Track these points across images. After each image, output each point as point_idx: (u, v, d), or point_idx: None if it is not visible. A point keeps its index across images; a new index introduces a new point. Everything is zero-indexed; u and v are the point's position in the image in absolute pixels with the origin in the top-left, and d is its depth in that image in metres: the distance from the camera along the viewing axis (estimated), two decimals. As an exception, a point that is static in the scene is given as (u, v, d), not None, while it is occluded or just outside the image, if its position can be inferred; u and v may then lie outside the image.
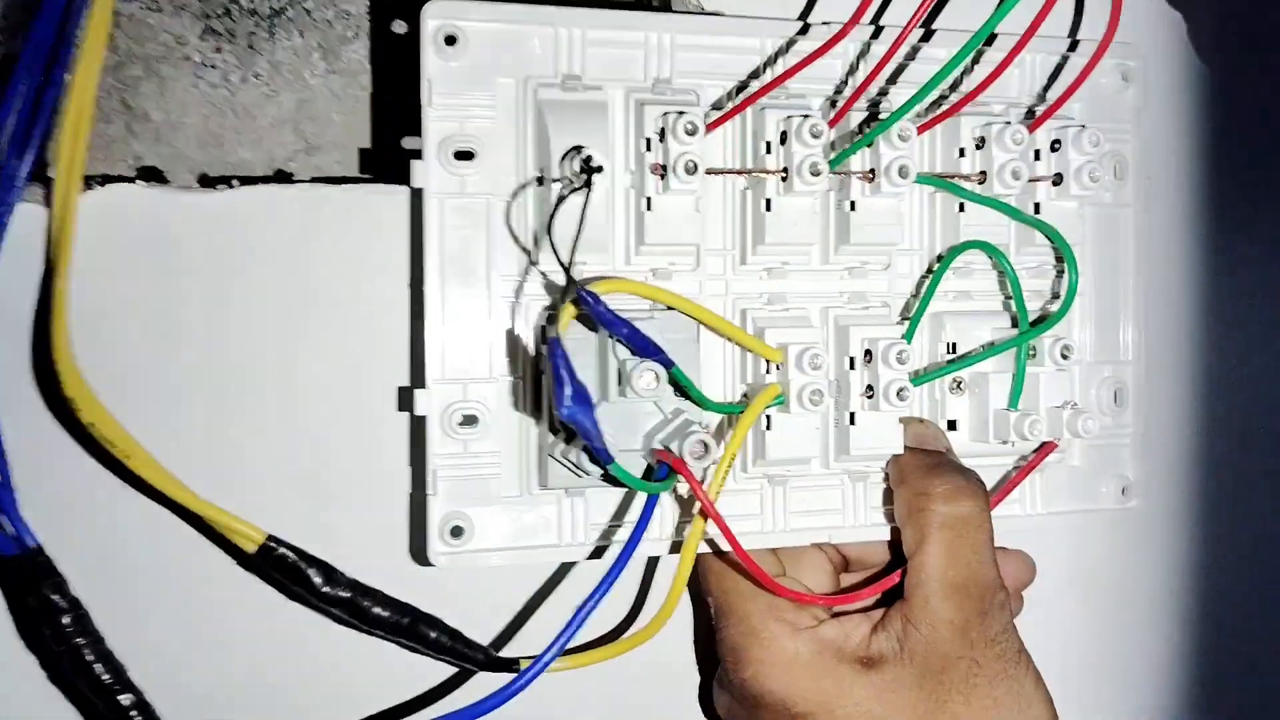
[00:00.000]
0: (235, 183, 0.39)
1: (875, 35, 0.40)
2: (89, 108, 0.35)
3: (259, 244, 0.39)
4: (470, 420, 0.38)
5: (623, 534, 0.38)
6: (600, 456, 0.34)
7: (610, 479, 0.36)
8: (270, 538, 0.35)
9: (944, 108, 0.41)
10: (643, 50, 0.39)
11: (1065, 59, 0.43)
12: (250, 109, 0.40)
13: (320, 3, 0.41)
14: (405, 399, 0.38)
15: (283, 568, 0.36)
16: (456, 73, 0.37)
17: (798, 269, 0.41)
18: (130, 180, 0.38)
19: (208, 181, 0.39)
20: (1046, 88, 0.43)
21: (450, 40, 0.37)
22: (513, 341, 0.38)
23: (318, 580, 0.36)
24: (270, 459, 0.39)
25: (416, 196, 0.37)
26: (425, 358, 0.37)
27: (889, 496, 0.41)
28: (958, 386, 0.43)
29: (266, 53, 0.40)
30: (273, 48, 0.40)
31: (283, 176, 0.40)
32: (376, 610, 0.36)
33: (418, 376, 0.38)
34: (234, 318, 0.39)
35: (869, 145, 0.39)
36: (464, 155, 0.37)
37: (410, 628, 0.37)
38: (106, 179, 0.38)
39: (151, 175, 0.39)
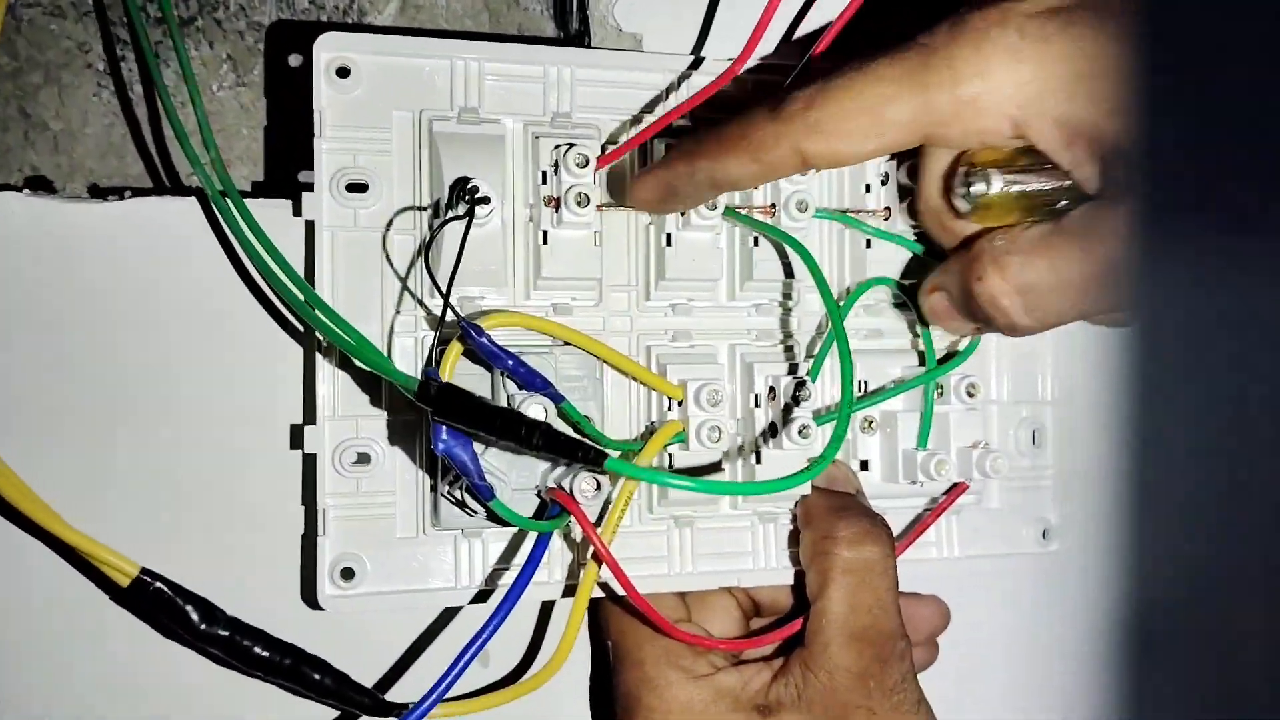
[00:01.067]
0: (128, 193, 0.38)
1: (771, 70, 0.40)
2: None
3: (150, 260, 0.38)
4: (363, 459, 0.37)
5: (511, 576, 0.37)
6: (480, 493, 0.33)
7: (497, 518, 0.35)
8: (145, 571, 0.34)
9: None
10: (541, 84, 0.38)
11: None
12: (151, 121, 0.39)
13: (231, 14, 0.40)
14: (297, 437, 0.37)
15: (158, 603, 0.34)
16: (350, 105, 0.37)
17: (703, 305, 0.40)
18: (16, 189, 0.37)
19: (98, 192, 0.38)
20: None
21: (343, 72, 0.36)
22: (405, 377, 0.37)
23: (195, 617, 0.35)
24: (153, 490, 0.38)
25: (309, 228, 0.37)
26: (316, 394, 0.37)
27: (796, 538, 0.41)
28: (869, 426, 0.42)
29: (173, 63, 0.40)
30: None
31: (180, 189, 0.39)
32: (258, 650, 0.35)
33: (309, 413, 0.38)
34: (120, 338, 0.37)
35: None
36: (357, 188, 0.37)
37: (293, 669, 0.35)
38: (-5, 186, 0.37)
39: (40, 184, 0.38)
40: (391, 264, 0.37)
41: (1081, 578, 0.49)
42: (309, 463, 0.38)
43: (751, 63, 0.38)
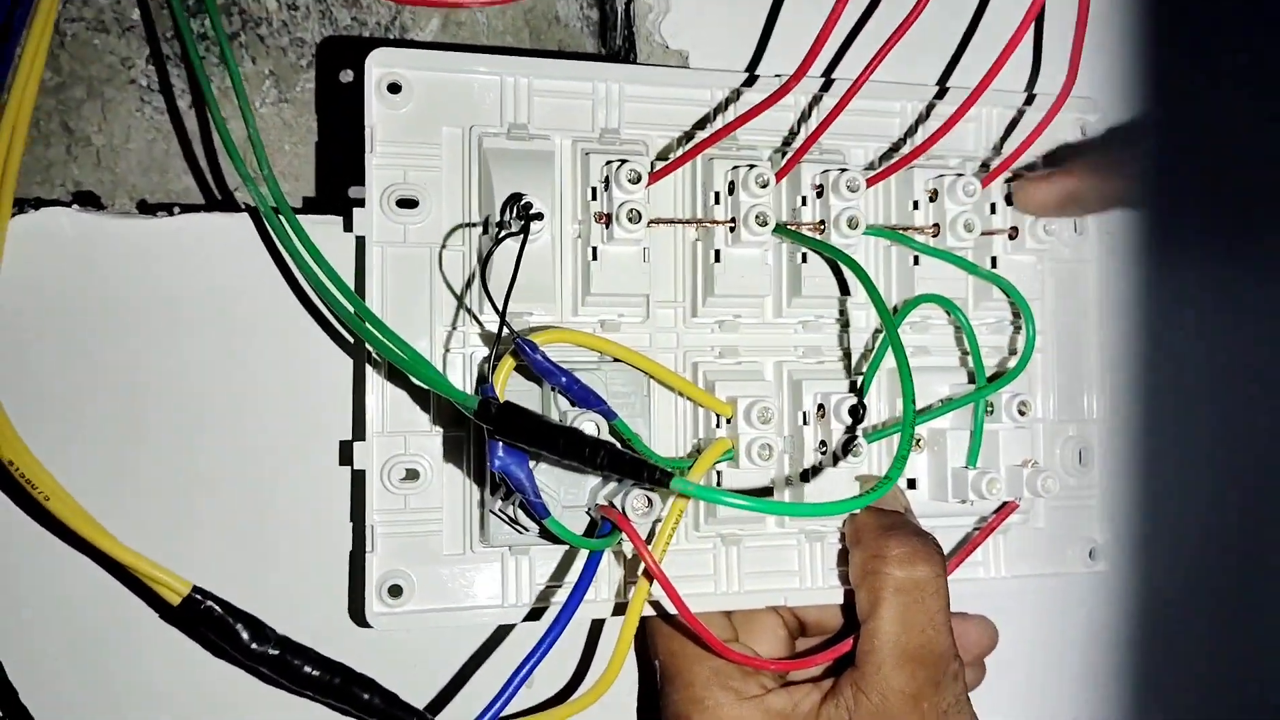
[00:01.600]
0: (176, 210, 0.37)
1: (825, 87, 0.40)
2: (23, 128, 0.34)
3: (200, 276, 0.38)
4: (412, 475, 0.37)
5: (563, 595, 0.37)
6: (536, 511, 0.33)
7: (550, 535, 0.35)
8: (196, 589, 0.34)
9: (895, 160, 0.40)
10: (590, 100, 0.38)
11: (1021, 113, 0.43)
12: (195, 136, 0.39)
13: (274, 30, 0.40)
14: (346, 453, 0.37)
15: (208, 621, 0.34)
16: (400, 121, 0.37)
17: (750, 322, 0.40)
18: (65, 204, 0.37)
19: (147, 208, 0.38)
20: (1002, 141, 0.43)
21: (394, 88, 0.36)
22: (454, 393, 0.37)
23: (245, 636, 0.34)
24: (203, 508, 0.38)
25: (360, 245, 0.37)
26: (365, 409, 0.36)
27: (844, 557, 0.40)
28: (917, 444, 0.42)
29: (216, 78, 0.40)
30: (223, 73, 0.39)
31: (228, 204, 0.39)
32: (307, 670, 0.35)
33: (358, 429, 0.37)
34: (169, 354, 0.37)
35: (814, 185, 0.38)
36: (407, 204, 0.37)
37: (342, 689, 0.35)
38: (41, 202, 0.37)
39: (88, 200, 0.38)
40: (446, 279, 0.37)
41: (1127, 598, 0.49)
42: (358, 479, 0.37)
43: (804, 80, 0.38)
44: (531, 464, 0.33)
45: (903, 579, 0.37)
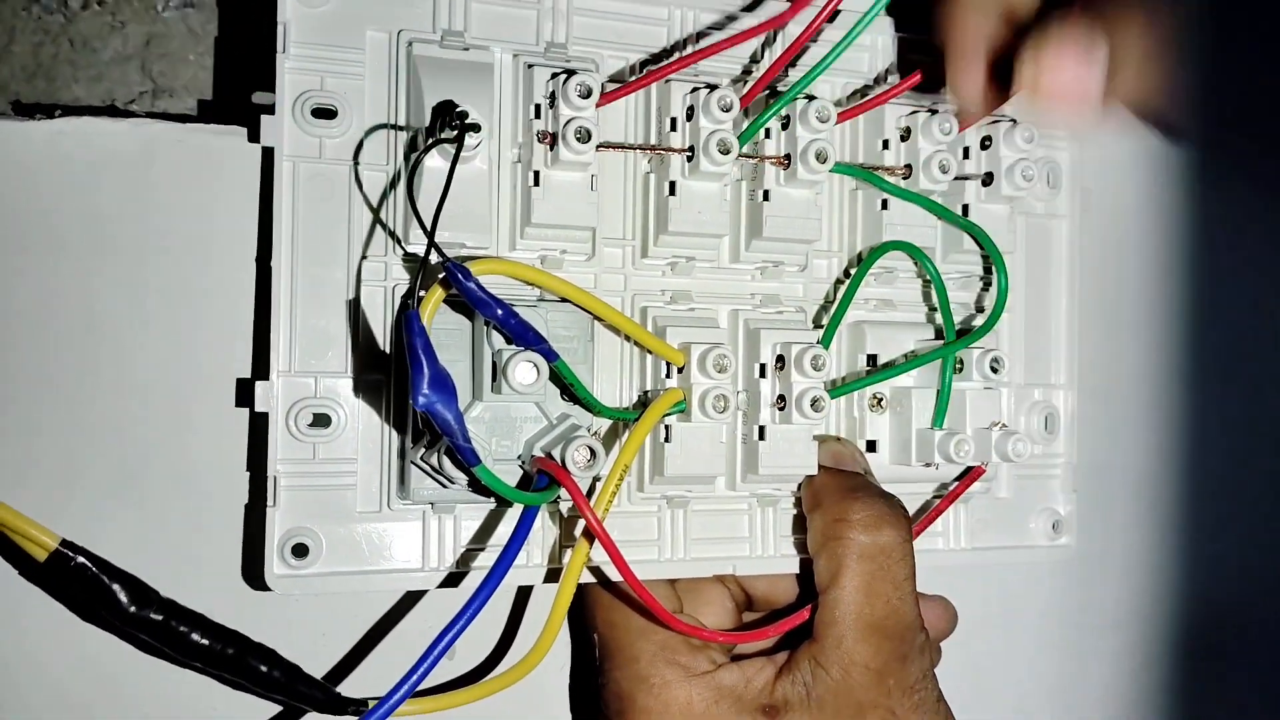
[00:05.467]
0: (58, 113, 0.33)
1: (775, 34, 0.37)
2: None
3: (79, 188, 0.33)
4: (321, 420, 0.33)
5: (489, 558, 0.33)
6: (465, 457, 0.29)
7: (479, 488, 0.31)
8: (64, 543, 0.29)
9: (869, 98, 0.37)
10: (535, 10, 0.35)
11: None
12: (90, 40, 0.34)
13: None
14: (246, 393, 0.33)
15: (81, 580, 0.30)
16: (319, 20, 0.32)
17: (705, 265, 0.36)
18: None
19: (23, 109, 0.33)
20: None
21: (314, -19, 0.32)
22: (370, 330, 0.33)
23: (123, 598, 0.30)
24: (77, 453, 0.33)
25: (267, 157, 0.32)
26: (270, 345, 0.32)
27: (800, 525, 0.37)
28: (878, 404, 0.39)
29: None
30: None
31: (116, 112, 0.34)
32: (196, 637, 0.30)
33: (260, 367, 0.33)
34: (40, 275, 0.33)
35: (780, 117, 0.35)
36: (324, 113, 0.32)
37: (237, 659, 0.31)
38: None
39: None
40: (367, 199, 0.33)
41: (1120, 578, 0.46)
42: (258, 423, 0.33)
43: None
44: (462, 406, 0.29)
45: (867, 544, 0.34)
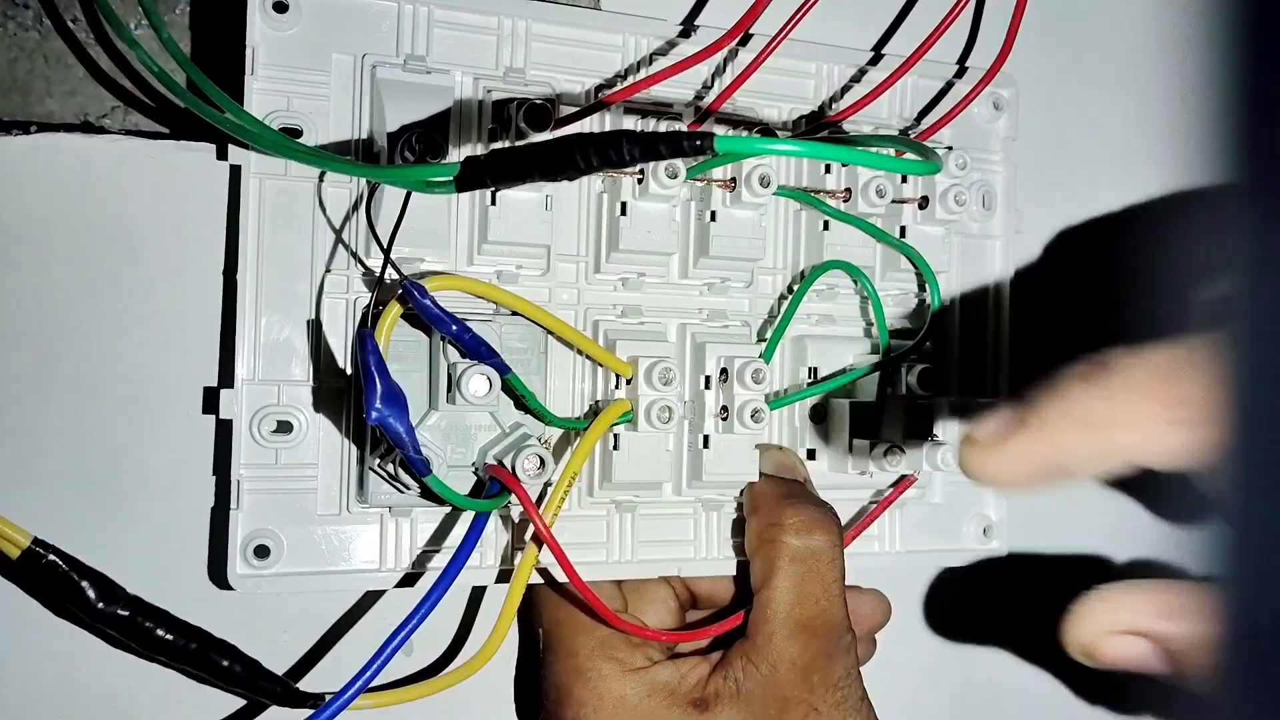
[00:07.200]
0: (33, 128, 0.34)
1: (743, 42, 0.39)
2: None
3: (50, 203, 0.34)
4: (284, 427, 0.34)
5: (444, 559, 0.35)
6: (415, 467, 0.30)
7: (433, 496, 0.33)
8: (37, 541, 0.31)
9: (818, 124, 0.39)
10: (495, 36, 0.36)
11: (948, 86, 0.42)
12: (63, 57, 0.35)
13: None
14: (211, 400, 0.34)
15: (52, 578, 0.31)
16: (286, 43, 0.34)
17: (655, 281, 0.38)
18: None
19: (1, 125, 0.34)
20: (923, 113, 0.42)
21: (280, 8, 0.33)
22: (329, 343, 0.34)
23: (92, 595, 0.31)
24: (48, 455, 0.34)
25: (235, 174, 0.34)
26: (235, 354, 0.34)
27: (740, 528, 0.39)
28: (818, 415, 0.41)
29: None
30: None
31: (90, 128, 0.35)
32: (160, 633, 0.32)
33: (226, 375, 0.34)
34: (13, 284, 0.34)
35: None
36: (290, 132, 0.34)
37: (199, 654, 0.32)
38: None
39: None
40: (328, 216, 0.34)
41: (1022, 575, 0.49)
42: (223, 430, 0.34)
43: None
44: (413, 419, 0.31)
45: (799, 547, 0.36)
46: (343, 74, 0.34)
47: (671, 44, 0.38)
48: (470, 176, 0.27)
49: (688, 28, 0.38)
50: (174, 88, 0.32)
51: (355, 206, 0.34)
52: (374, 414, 0.29)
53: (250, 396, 0.34)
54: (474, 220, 0.35)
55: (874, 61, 0.41)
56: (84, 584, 0.31)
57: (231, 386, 0.33)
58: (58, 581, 0.31)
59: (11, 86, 0.35)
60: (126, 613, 0.32)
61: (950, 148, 0.40)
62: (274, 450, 0.34)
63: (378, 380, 0.29)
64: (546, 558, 0.34)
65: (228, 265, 0.35)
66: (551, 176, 0.27)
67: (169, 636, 0.32)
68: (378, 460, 0.33)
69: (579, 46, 0.37)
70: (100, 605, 0.31)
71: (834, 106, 0.41)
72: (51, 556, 0.31)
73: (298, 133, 0.34)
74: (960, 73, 0.43)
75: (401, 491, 0.34)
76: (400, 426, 0.29)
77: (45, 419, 0.34)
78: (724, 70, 0.39)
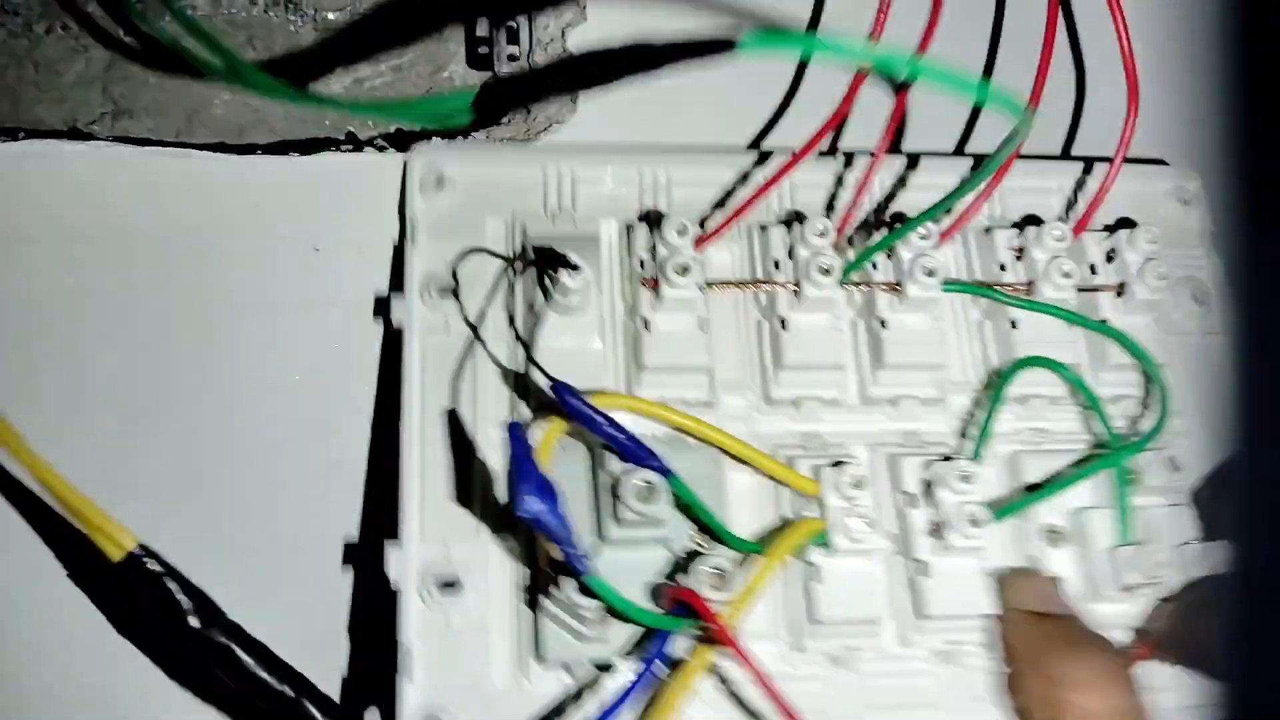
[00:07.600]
0: (21, 135, 0.34)
1: (848, 163, 0.38)
2: None
3: (40, 207, 0.34)
4: (448, 584, 0.32)
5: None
6: (574, 565, 0.27)
7: (617, 614, 0.29)
8: (142, 547, 0.30)
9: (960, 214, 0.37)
10: (638, 187, 0.37)
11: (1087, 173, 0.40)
12: (54, 63, 0.36)
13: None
14: (360, 552, 0.33)
15: (150, 586, 0.30)
16: (443, 212, 0.36)
17: (832, 405, 0.35)
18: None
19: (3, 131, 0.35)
20: (1070, 204, 0.40)
21: (439, 182, 0.36)
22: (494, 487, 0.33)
23: (190, 612, 0.30)
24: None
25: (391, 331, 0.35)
26: (401, 515, 0.32)
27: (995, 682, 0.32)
28: (1054, 537, 0.34)
29: (78, 2, 0.36)
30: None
31: (78, 134, 0.35)
32: (254, 667, 0.30)
33: (369, 528, 0.33)
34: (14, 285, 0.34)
35: (887, 248, 0.35)
36: (448, 293, 0.35)
37: (293, 702, 0.30)
38: None
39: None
40: (494, 359, 0.34)
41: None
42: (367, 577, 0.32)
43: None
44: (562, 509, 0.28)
45: (1100, 712, 0.29)
46: (496, 234, 0.36)
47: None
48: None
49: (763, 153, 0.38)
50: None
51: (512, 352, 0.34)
52: (523, 506, 0.26)
53: (419, 555, 0.32)
54: (629, 351, 0.34)
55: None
56: (183, 598, 0.30)
57: (396, 539, 0.32)
58: (156, 591, 0.30)
59: (1, 94, 0.36)
60: (224, 639, 0.30)
61: (1134, 223, 0.37)
62: (444, 612, 0.31)
63: (527, 472, 0.27)
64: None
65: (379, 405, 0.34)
66: None
67: (263, 674, 0.30)
68: (552, 599, 0.30)
69: (715, 187, 0.38)
70: (196, 624, 0.30)
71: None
72: (155, 564, 0.30)
73: (455, 293, 0.35)
74: (1088, 168, 0.40)
75: (580, 629, 0.30)
76: (553, 518, 0.27)
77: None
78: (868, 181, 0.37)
